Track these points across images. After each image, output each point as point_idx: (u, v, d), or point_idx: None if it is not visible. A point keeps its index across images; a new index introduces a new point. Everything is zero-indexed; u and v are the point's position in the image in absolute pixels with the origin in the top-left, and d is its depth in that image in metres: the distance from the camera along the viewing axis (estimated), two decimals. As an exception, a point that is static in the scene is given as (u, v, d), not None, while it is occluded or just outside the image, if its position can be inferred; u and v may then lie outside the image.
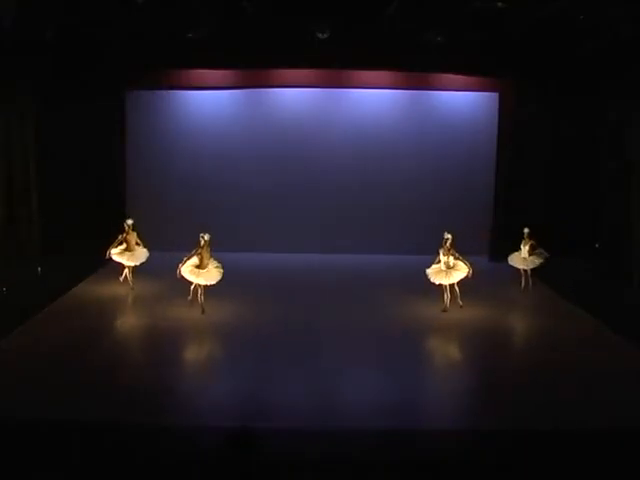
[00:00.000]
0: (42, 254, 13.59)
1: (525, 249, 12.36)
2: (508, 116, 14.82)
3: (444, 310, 11.16)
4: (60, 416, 7.03)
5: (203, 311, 10.85)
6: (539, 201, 14.73)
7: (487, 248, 15.04)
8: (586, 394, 8.04)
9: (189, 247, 10.98)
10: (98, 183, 14.51)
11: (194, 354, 9.86)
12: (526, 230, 12.40)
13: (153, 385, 8.23)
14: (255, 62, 13.85)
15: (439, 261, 11.17)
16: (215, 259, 10.96)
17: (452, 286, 11.12)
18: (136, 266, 12.29)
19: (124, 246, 12.07)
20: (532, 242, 12.32)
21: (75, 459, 6.06)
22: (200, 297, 10.86)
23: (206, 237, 10.71)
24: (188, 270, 10.70)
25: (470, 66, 13.90)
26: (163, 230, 14.21)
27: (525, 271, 12.54)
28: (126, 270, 12.23)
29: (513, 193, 14.82)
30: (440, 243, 11.18)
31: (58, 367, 8.58)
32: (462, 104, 15.25)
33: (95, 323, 10.48)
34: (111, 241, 12.10)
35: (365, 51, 13.23)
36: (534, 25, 11.60)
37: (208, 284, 10.80)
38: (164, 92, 15.14)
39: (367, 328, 10.50)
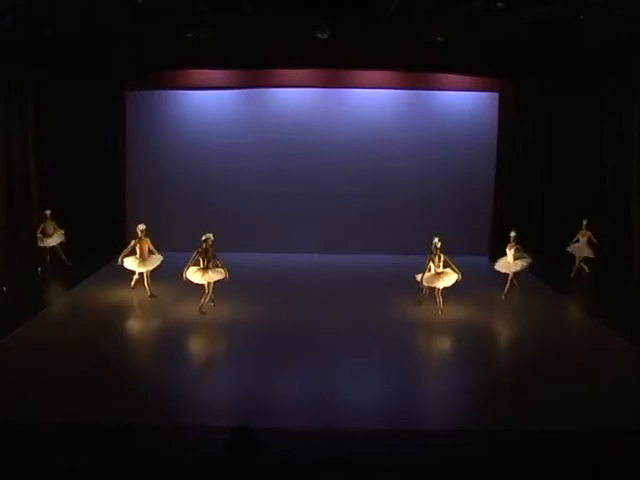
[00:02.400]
0: (42, 254, 13.60)
1: (510, 253, 12.03)
2: (508, 116, 14.83)
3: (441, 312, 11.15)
4: (59, 417, 7.03)
5: (203, 311, 10.86)
6: (539, 201, 14.73)
7: (487, 249, 15.03)
8: (586, 394, 8.04)
9: (189, 247, 10.97)
10: (98, 183, 14.52)
11: (194, 354, 9.86)
12: (512, 233, 12.05)
13: (153, 385, 8.25)
14: (255, 62, 13.85)
15: (430, 268, 11.15)
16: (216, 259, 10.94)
17: (443, 290, 11.11)
18: (149, 271, 11.68)
19: (137, 255, 11.49)
20: (517, 246, 11.99)
21: (74, 460, 6.05)
22: (204, 298, 10.85)
23: (210, 237, 10.69)
24: (192, 272, 10.69)
25: (470, 66, 13.91)
26: (163, 230, 14.10)
27: (512, 275, 12.08)
28: (136, 276, 11.83)
29: (513, 193, 14.82)
30: (431, 249, 11.15)
31: (58, 367, 8.57)
32: (462, 104, 15.24)
33: (95, 323, 10.47)
34: (111, 241, 12.02)
35: (365, 51, 13.23)
36: (534, 25, 11.59)
37: (212, 281, 10.76)
38: (164, 92, 15.13)
39: (367, 328, 10.49)
